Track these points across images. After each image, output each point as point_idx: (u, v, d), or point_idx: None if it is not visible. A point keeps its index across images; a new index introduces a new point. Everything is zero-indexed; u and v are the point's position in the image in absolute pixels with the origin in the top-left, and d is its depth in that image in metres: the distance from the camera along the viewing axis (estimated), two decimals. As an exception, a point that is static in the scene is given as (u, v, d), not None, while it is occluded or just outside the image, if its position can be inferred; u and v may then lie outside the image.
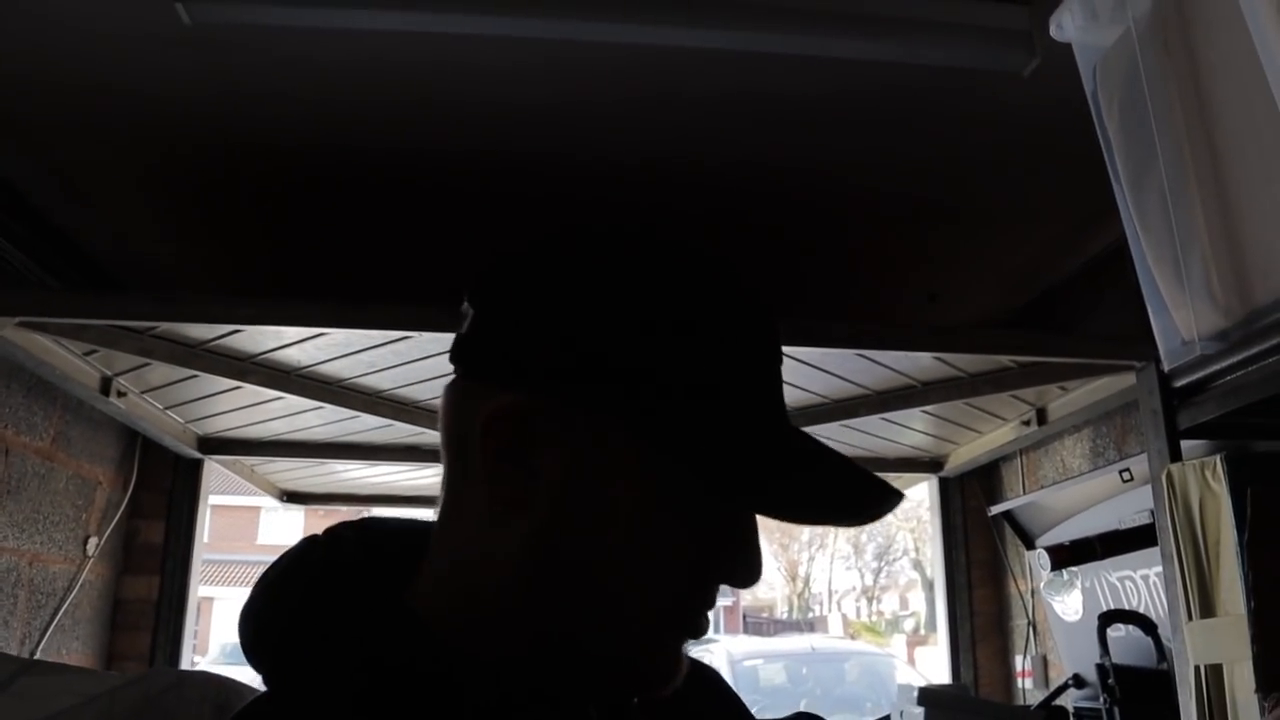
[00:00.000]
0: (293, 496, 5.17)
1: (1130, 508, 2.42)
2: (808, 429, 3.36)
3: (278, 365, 2.96)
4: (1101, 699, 2.16)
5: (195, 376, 3.00)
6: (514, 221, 2.61)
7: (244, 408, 3.44)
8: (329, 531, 0.71)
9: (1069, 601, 2.87)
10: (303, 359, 2.89)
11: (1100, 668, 2.19)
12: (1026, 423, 3.23)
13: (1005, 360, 2.66)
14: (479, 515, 0.63)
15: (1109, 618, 2.29)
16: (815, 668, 8.95)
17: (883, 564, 40.32)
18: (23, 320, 2.37)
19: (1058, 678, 3.56)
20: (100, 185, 2.53)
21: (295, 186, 2.49)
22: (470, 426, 0.62)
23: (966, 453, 3.73)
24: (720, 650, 9.05)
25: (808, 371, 2.80)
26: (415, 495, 5.18)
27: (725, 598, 37.61)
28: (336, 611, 0.63)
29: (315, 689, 0.60)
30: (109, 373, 3.04)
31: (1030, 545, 3.17)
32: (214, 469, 4.32)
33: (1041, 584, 3.10)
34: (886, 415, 3.13)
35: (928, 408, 3.04)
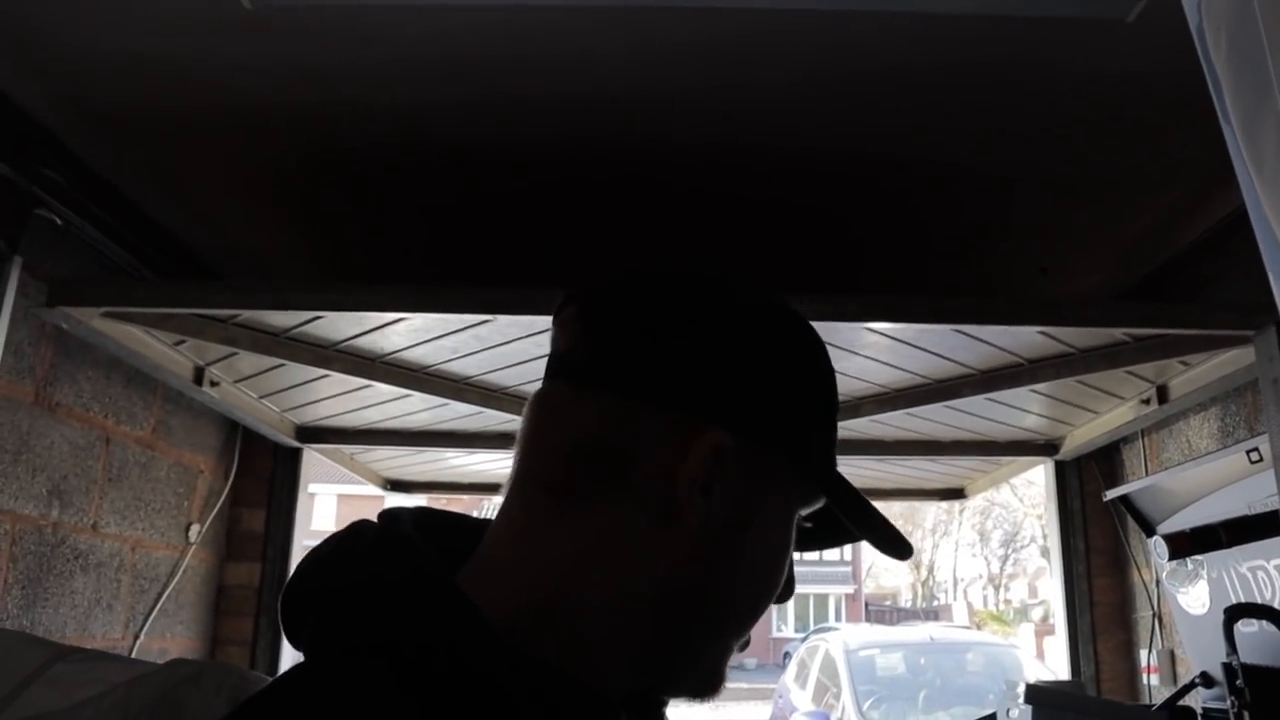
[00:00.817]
0: (395, 485, 5.23)
1: (1261, 491, 2.19)
2: (909, 410, 3.21)
3: (362, 352, 2.95)
4: (1229, 701, 1.95)
5: (282, 365, 3.02)
6: (590, 208, 2.53)
7: (333, 396, 3.46)
8: (384, 514, 0.71)
9: (1194, 593, 2.64)
10: (385, 345, 2.88)
11: (1227, 667, 1.98)
12: (1146, 401, 2.99)
13: (1118, 334, 2.45)
14: (627, 535, 0.65)
15: (1237, 612, 2.07)
16: (934, 658, 8.70)
17: (1010, 551, 39.23)
18: (107, 310, 2.41)
19: (1187, 675, 3.31)
20: (191, 175, 2.55)
21: (376, 171, 2.46)
22: (646, 451, 0.65)
23: (1084, 434, 3.49)
24: (836, 640, 8.87)
25: (906, 351, 2.64)
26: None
27: (847, 585, 37.07)
28: (392, 595, 0.62)
29: (363, 672, 0.58)
30: (201, 362, 3.09)
31: (1150, 532, 2.93)
32: (317, 458, 4.44)
33: (1163, 575, 2.87)
34: (993, 396, 2.94)
35: (1038, 387, 2.83)
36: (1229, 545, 2.18)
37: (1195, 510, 2.55)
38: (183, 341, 2.85)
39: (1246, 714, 1.90)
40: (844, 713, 7.64)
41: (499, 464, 4.65)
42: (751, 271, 2.20)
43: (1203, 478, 2.54)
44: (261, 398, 3.50)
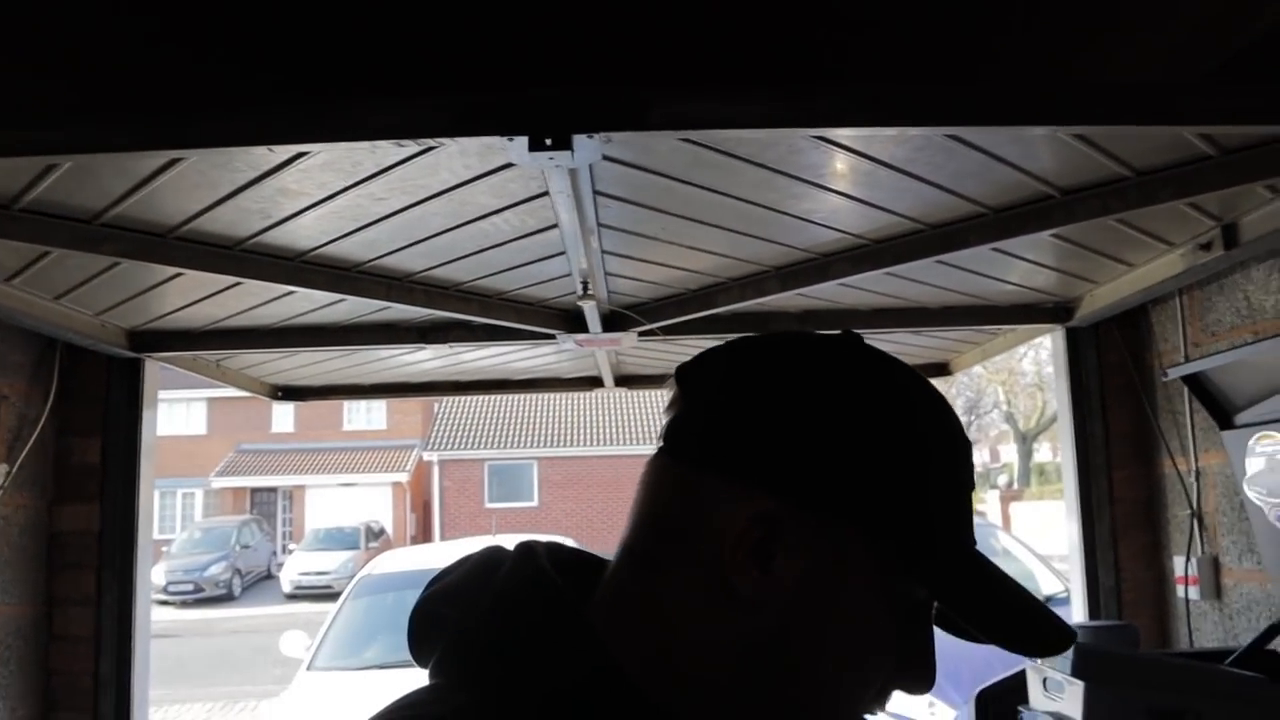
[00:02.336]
0: (288, 392, 4.49)
1: None
2: (892, 270, 2.46)
3: (207, 237, 2.17)
4: None
5: (52, 253, 2.21)
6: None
7: (167, 290, 2.66)
8: (522, 550, 0.72)
9: (1294, 501, 1.98)
10: (246, 225, 2.09)
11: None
12: (1206, 246, 2.27)
13: (1196, 141, 1.70)
14: (701, 602, 0.65)
15: None
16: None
17: (973, 417, 39.62)
18: None
19: (1234, 585, 2.68)
20: None
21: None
22: (707, 520, 0.65)
23: (1108, 293, 2.77)
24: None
25: (892, 181, 1.88)
26: (423, 382, 4.45)
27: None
28: (541, 635, 0.65)
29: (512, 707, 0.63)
30: (-60, 255, 2.26)
31: (1226, 423, 2.25)
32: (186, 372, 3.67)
33: (1247, 476, 2.19)
34: (1006, 245, 2.20)
35: (1068, 230, 2.09)
36: None
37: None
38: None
39: None
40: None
41: (412, 361, 3.89)
42: (683, 48, 1.40)
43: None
44: (59, 298, 2.68)
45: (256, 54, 1.44)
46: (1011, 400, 33.19)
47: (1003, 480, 33.18)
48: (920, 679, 0.69)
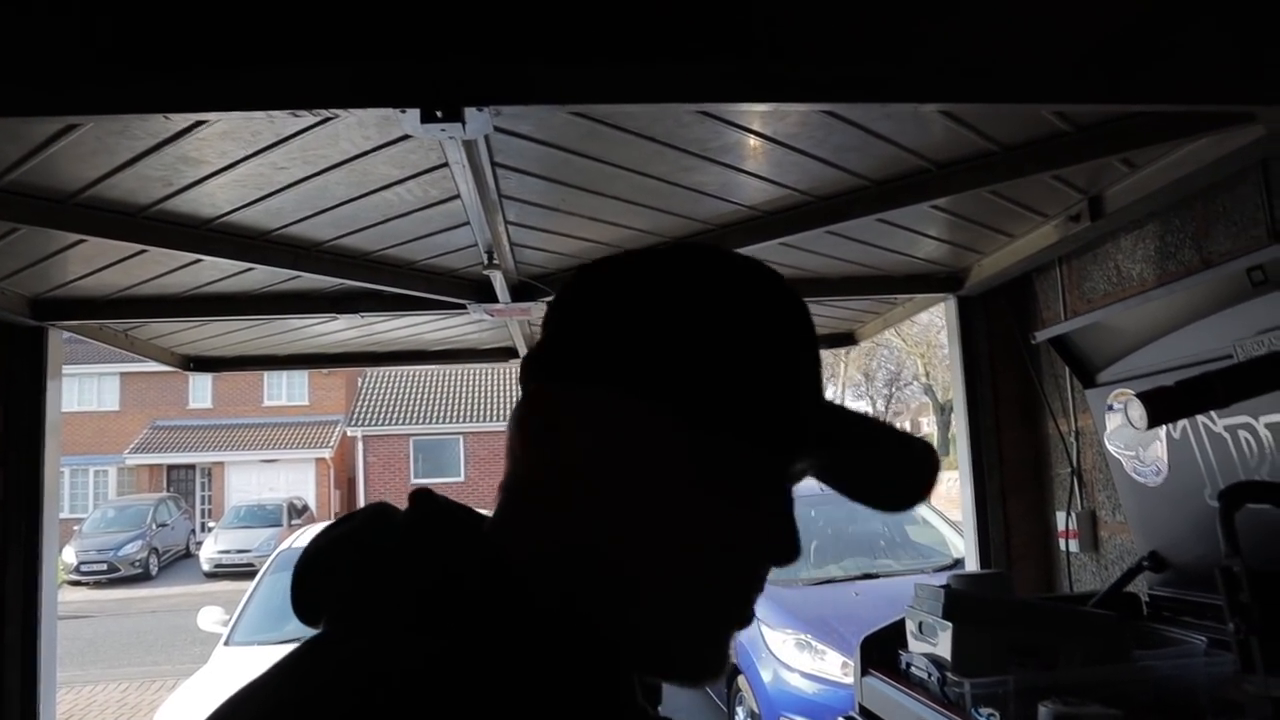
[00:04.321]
0: (199, 363, 4.45)
1: (1247, 326, 1.63)
2: (785, 240, 2.56)
3: (111, 203, 2.16)
4: (1231, 624, 1.42)
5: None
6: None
7: (70, 257, 2.64)
8: (419, 492, 0.72)
9: (1146, 457, 2.13)
10: (146, 192, 2.09)
11: (1227, 574, 1.43)
12: (1075, 217, 2.41)
13: (1053, 119, 1.82)
14: (571, 513, 0.66)
15: (1239, 494, 1.52)
16: (824, 509, 8.44)
17: (893, 390, 40.37)
18: None
19: (1110, 537, 2.87)
20: None
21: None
22: (555, 428, 0.67)
23: (994, 263, 2.92)
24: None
25: (780, 156, 1.98)
26: (338, 353, 4.45)
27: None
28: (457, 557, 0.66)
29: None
30: None
31: (1089, 382, 2.40)
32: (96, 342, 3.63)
33: (1107, 432, 2.34)
34: (890, 216, 2.31)
35: (944, 203, 2.21)
36: (1228, 403, 1.59)
37: (1145, 355, 2.01)
38: None
39: (1255, 642, 1.37)
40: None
41: (325, 331, 3.90)
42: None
43: (1160, 313, 1.99)
44: (-46, 267, 2.65)
45: (152, 20, 1.46)
46: (930, 372, 33.91)
47: (921, 450, 33.89)
48: (786, 551, 0.69)
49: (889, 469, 0.70)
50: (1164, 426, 2.02)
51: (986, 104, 1.61)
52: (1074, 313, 2.89)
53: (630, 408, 0.65)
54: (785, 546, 0.69)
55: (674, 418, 0.65)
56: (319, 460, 27.58)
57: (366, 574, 0.67)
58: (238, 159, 1.95)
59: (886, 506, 0.72)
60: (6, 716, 3.00)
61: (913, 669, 2.09)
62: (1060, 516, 3.01)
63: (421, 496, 0.72)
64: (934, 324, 28.95)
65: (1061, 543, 3.00)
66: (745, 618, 0.69)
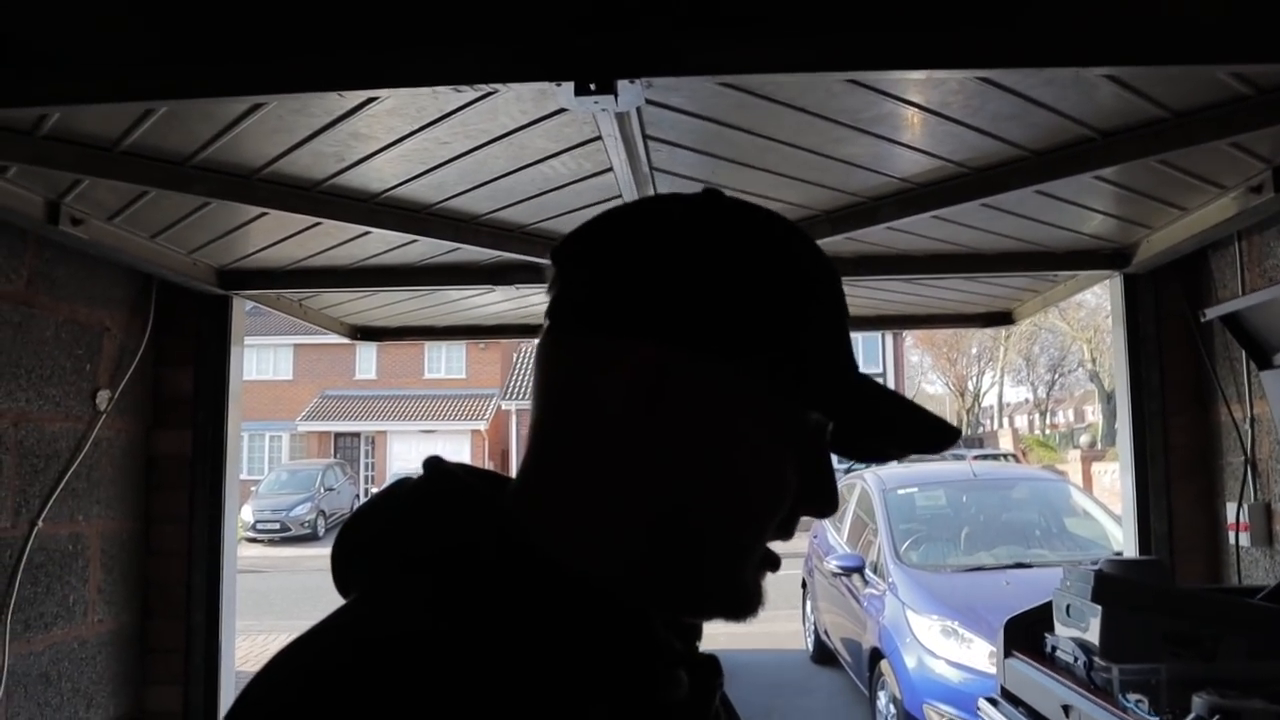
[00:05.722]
0: (366, 333, 4.69)
1: None
2: (939, 213, 2.51)
3: (290, 179, 2.34)
4: None
5: (149, 193, 2.39)
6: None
7: (252, 231, 2.84)
8: (428, 461, 0.73)
9: (1327, 442, 2.00)
10: (321, 168, 2.25)
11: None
12: (1257, 189, 2.27)
13: (1231, 81, 1.73)
14: (611, 464, 0.67)
15: None
16: (977, 495, 8.20)
17: (1056, 376, 38.74)
18: None
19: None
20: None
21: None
22: (599, 380, 0.66)
23: (1164, 238, 2.78)
24: (873, 477, 8.39)
25: (934, 125, 1.95)
26: (493, 325, 4.61)
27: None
28: (447, 520, 0.68)
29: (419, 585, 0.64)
30: (52, 196, 2.46)
31: (1265, 363, 2.27)
32: (272, 312, 3.88)
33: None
34: (1051, 188, 2.24)
35: (1110, 173, 2.12)
36: None
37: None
38: (4, 169, 2.22)
39: None
40: (880, 554, 7.23)
41: (482, 304, 4.05)
42: None
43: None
44: (154, 236, 2.88)
45: (324, 5, 1.56)
46: (1097, 358, 32.36)
47: (1084, 440, 32.46)
48: (823, 503, 0.71)
49: (902, 429, 0.70)
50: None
51: (1156, 66, 1.54)
52: (1253, 291, 2.72)
53: (677, 361, 0.65)
54: (827, 497, 0.71)
55: (719, 372, 0.66)
56: (475, 432, 28.54)
57: (376, 546, 0.69)
58: (404, 134, 2.06)
59: (893, 455, 0.75)
60: (194, 652, 3.27)
61: (1059, 652, 2.03)
62: (1231, 508, 2.86)
63: (431, 463, 0.73)
64: (1102, 308, 27.58)
65: (1231, 535, 2.85)
66: (776, 562, 0.71)
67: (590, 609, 0.65)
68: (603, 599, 0.65)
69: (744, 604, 0.69)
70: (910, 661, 5.97)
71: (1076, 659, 1.91)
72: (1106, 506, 8.78)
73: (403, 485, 0.72)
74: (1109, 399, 33.00)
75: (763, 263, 0.69)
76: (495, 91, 1.70)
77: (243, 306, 3.55)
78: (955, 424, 0.71)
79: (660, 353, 0.65)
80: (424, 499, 0.69)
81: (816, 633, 8.73)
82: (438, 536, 0.66)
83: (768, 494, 0.68)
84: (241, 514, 20.13)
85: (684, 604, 0.69)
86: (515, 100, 1.84)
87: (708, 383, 0.66)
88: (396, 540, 0.67)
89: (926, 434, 0.69)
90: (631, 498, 0.67)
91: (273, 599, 13.95)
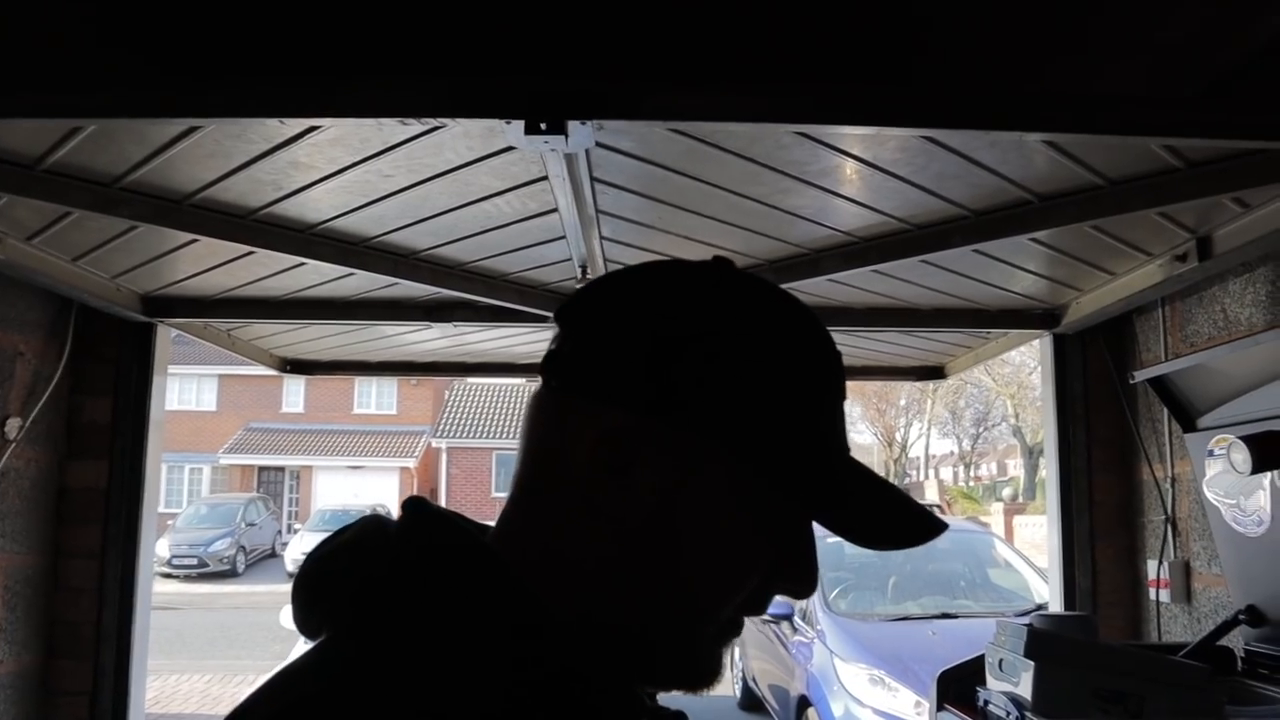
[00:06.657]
0: (296, 365, 4.58)
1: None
2: (879, 268, 2.54)
3: (222, 205, 2.27)
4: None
5: (72, 214, 2.30)
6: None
7: (183, 256, 2.75)
8: (413, 501, 0.72)
9: (1247, 505, 2.05)
10: (257, 196, 2.18)
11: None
12: (1181, 257, 2.34)
13: (1163, 154, 1.78)
14: (573, 522, 0.67)
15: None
16: (904, 545, 8.28)
17: (981, 430, 39.46)
18: None
19: (1204, 589, 2.76)
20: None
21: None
22: (571, 440, 0.67)
23: (1093, 301, 2.85)
24: (801, 526, 8.43)
25: (879, 182, 1.97)
26: (428, 362, 4.54)
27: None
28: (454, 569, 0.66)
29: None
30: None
31: (1189, 426, 2.33)
32: (199, 341, 3.77)
33: (1206, 478, 2.27)
34: (988, 248, 2.28)
35: (1045, 235, 2.17)
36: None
37: (1251, 401, 1.94)
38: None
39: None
40: (809, 602, 7.25)
41: (418, 340, 3.99)
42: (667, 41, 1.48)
43: (1270, 357, 1.92)
44: (76, 259, 2.78)
45: (271, 30, 1.53)
46: (1020, 414, 33.10)
47: (1007, 493, 33.10)
48: (801, 582, 0.70)
49: (886, 522, 0.70)
50: (1269, 474, 1.94)
51: (1094, 135, 1.58)
52: (1175, 355, 2.80)
53: (648, 430, 0.65)
54: (803, 579, 0.70)
55: (693, 447, 0.65)
56: (403, 469, 28.08)
57: (362, 584, 0.66)
58: (345, 165, 2.02)
59: (876, 547, 0.72)
60: (101, 694, 3.12)
61: (990, 707, 2.04)
62: (1152, 565, 2.91)
63: (412, 504, 0.72)
64: (1025, 365, 28.32)
65: (1152, 592, 2.90)
66: (739, 630, 0.71)
67: (578, 664, 0.64)
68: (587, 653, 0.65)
69: (697, 675, 0.69)
70: (837, 709, 5.97)
71: (1009, 713, 1.92)
72: (1029, 559, 8.94)
73: (385, 525, 0.71)
74: (1030, 454, 33.75)
75: (751, 337, 0.68)
76: (443, 126, 1.68)
77: (168, 334, 3.44)
78: (888, 476, 0.68)
79: (629, 421, 0.65)
80: (431, 551, 0.67)
81: (744, 680, 8.71)
82: (446, 601, 0.64)
83: (731, 571, 0.67)
84: (157, 549, 19.51)
85: (634, 671, 0.69)
86: (462, 136, 1.82)
87: (678, 455, 0.65)
88: (392, 591, 0.65)
89: (910, 531, 0.68)
90: (588, 560, 0.67)
91: (187, 637, 13.49)
